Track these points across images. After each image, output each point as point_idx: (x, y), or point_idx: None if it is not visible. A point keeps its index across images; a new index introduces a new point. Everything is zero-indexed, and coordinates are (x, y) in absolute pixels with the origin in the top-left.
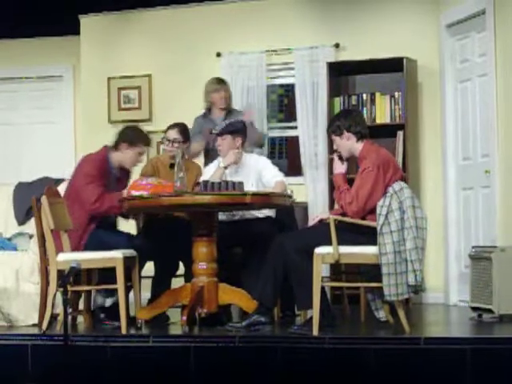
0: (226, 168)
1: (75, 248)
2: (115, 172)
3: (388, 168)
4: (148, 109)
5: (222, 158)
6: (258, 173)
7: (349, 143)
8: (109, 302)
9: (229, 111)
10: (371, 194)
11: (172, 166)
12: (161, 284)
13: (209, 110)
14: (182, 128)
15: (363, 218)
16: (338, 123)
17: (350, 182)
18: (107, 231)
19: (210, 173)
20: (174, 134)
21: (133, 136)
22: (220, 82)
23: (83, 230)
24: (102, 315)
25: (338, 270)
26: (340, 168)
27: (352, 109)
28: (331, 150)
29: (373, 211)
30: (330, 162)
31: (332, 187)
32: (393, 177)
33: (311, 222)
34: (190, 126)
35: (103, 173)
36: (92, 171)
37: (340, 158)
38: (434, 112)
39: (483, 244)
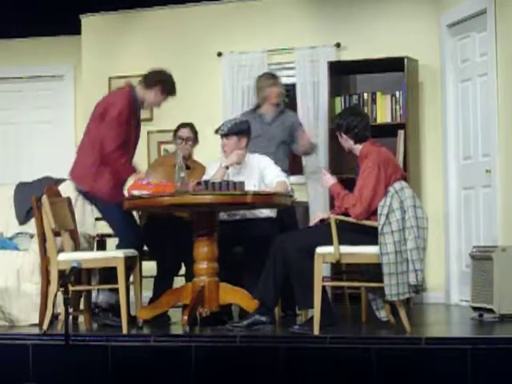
0: (227, 168)
1: (90, 188)
2: (138, 111)
3: (388, 167)
4: (149, 109)
5: (226, 158)
6: (261, 173)
7: (347, 144)
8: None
9: (281, 109)
10: (374, 194)
11: (188, 167)
12: (163, 283)
13: (257, 106)
14: (193, 127)
15: (366, 218)
16: (339, 122)
17: (346, 184)
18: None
19: (211, 173)
20: (187, 132)
21: (171, 85)
22: (274, 76)
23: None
24: (101, 313)
25: (339, 269)
26: (331, 179)
27: (357, 109)
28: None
29: (374, 211)
30: (331, 162)
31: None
32: (393, 175)
33: (312, 222)
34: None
35: (131, 113)
36: (120, 116)
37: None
38: (435, 111)
39: (484, 244)
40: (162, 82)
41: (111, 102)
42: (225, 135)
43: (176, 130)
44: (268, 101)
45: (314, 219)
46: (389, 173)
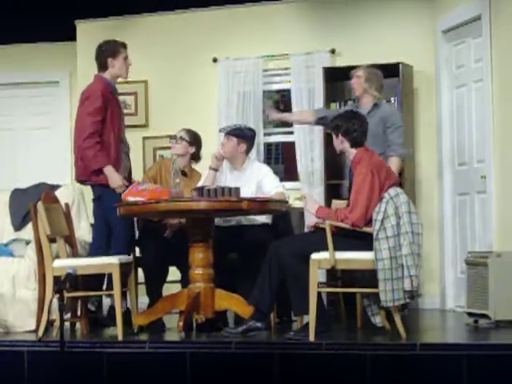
0: (215, 170)
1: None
2: (116, 91)
3: (381, 172)
4: (144, 114)
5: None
6: (259, 181)
7: (341, 146)
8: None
9: (375, 104)
10: (370, 199)
11: (184, 173)
12: (152, 290)
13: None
14: (192, 131)
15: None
16: (337, 123)
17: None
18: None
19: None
20: (182, 133)
21: (110, 48)
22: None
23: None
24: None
25: (335, 275)
26: (315, 204)
27: (358, 113)
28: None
29: (369, 217)
30: (326, 168)
31: (328, 193)
32: (386, 181)
33: (307, 227)
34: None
35: (107, 98)
36: (95, 102)
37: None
38: (430, 117)
39: (479, 249)
40: (105, 55)
41: (87, 93)
42: (225, 134)
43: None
44: (379, 98)
45: (308, 227)
46: (382, 178)
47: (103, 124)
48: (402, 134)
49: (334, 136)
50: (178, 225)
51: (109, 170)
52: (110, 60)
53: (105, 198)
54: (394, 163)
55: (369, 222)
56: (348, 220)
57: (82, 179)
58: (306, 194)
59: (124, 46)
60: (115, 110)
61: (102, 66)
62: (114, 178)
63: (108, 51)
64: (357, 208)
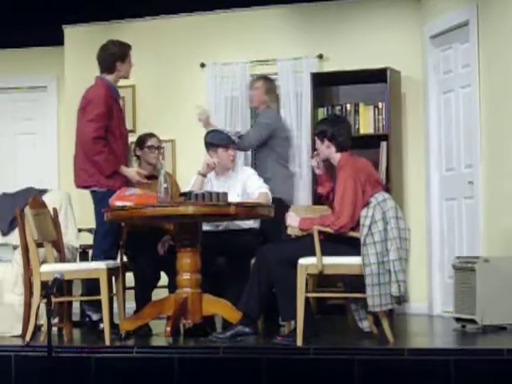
0: (204, 176)
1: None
2: (118, 95)
3: (361, 174)
4: (132, 119)
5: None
6: (243, 183)
7: (327, 151)
8: (95, 317)
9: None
10: (354, 203)
11: (155, 177)
12: (141, 295)
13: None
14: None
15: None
16: (323, 128)
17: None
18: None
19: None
20: (157, 141)
21: (119, 51)
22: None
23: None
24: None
25: (322, 280)
26: (295, 217)
27: (342, 117)
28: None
29: (357, 222)
30: (313, 173)
31: (315, 198)
32: (367, 183)
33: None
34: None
35: (110, 103)
36: (98, 108)
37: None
38: (418, 122)
39: (467, 254)
40: (114, 58)
41: (90, 97)
42: (231, 145)
43: (143, 141)
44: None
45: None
46: (363, 180)
47: (108, 131)
48: (259, 130)
49: (318, 141)
50: (168, 240)
51: (123, 170)
52: (119, 64)
53: (106, 201)
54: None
55: (356, 227)
56: (335, 226)
57: (86, 185)
58: (288, 211)
59: (130, 47)
60: (119, 115)
61: (109, 68)
62: (130, 174)
63: (117, 54)
64: (343, 213)
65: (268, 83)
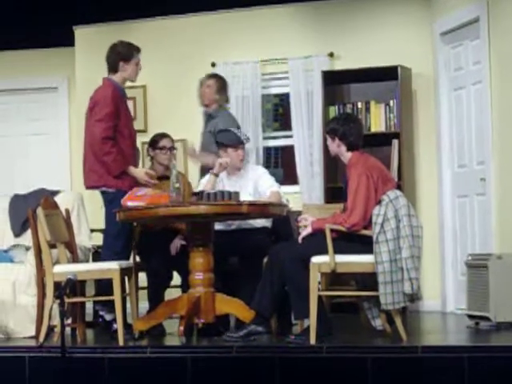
0: (216, 176)
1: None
2: (125, 95)
3: (373, 172)
4: (143, 120)
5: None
6: (255, 182)
7: (337, 149)
8: (108, 317)
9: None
10: (367, 200)
11: (168, 177)
12: (155, 295)
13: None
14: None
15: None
16: (334, 126)
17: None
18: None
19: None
20: (169, 142)
21: (123, 51)
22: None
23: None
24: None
25: (335, 279)
26: (309, 218)
27: (354, 117)
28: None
29: (369, 220)
30: (326, 171)
31: (328, 197)
32: (379, 181)
33: (302, 234)
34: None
35: (118, 103)
36: (106, 108)
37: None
38: (429, 120)
39: (479, 251)
40: (118, 58)
41: (97, 98)
42: (241, 144)
43: (156, 141)
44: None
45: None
46: (375, 178)
47: (116, 130)
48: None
49: (329, 139)
50: (181, 240)
51: (131, 170)
52: (122, 64)
53: (116, 202)
54: None
55: (368, 225)
56: (347, 224)
57: (95, 186)
58: (297, 217)
59: (138, 50)
60: (127, 115)
61: (113, 67)
62: (139, 174)
63: (121, 55)
64: (355, 211)
65: (220, 82)
